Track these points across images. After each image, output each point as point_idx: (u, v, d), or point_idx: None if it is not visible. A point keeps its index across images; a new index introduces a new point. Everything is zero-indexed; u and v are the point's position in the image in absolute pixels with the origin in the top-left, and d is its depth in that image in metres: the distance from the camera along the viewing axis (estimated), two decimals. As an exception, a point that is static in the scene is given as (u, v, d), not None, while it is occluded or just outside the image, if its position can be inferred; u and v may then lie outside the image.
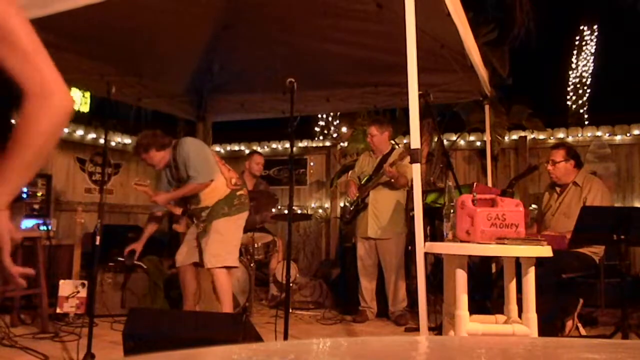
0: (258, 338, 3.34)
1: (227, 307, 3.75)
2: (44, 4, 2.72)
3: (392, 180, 4.49)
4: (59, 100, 1.02)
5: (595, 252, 3.68)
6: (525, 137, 6.44)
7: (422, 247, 2.69)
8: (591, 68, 9.63)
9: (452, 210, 2.73)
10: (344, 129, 7.70)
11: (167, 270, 5.08)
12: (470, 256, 2.92)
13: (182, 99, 6.08)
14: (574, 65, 9.76)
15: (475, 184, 4.20)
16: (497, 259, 4.06)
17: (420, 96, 2.85)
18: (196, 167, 3.80)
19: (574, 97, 9.55)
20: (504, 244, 2.45)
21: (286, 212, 6.71)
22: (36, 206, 4.21)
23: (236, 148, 7.89)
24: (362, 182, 4.77)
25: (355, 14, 4.23)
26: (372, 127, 4.71)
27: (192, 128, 6.93)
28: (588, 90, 9.51)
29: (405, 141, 6.36)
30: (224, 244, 3.84)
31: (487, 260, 4.23)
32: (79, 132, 6.24)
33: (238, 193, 3.96)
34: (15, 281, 1.08)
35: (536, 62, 8.98)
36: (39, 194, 4.26)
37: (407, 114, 2.77)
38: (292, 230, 3.29)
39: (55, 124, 1.03)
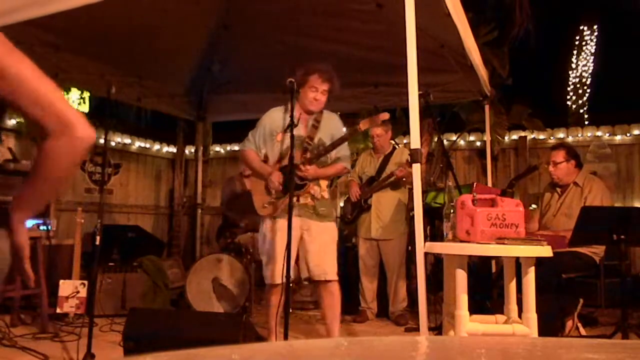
0: (258, 338, 3.34)
1: (338, 323, 3.31)
2: (44, 4, 2.72)
3: (404, 179, 4.46)
4: (81, 134, 1.05)
5: (595, 252, 3.68)
6: (525, 137, 6.44)
7: (422, 247, 2.69)
8: (591, 68, 9.61)
9: (452, 210, 2.72)
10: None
11: (167, 270, 5.08)
12: (470, 256, 2.92)
13: (182, 99, 6.08)
14: (574, 65, 9.75)
15: (475, 184, 4.20)
16: (497, 259, 4.06)
17: (420, 96, 2.85)
18: (348, 150, 3.42)
19: (574, 97, 9.53)
20: (504, 244, 2.45)
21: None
22: (36, 206, 4.18)
23: (236, 148, 7.87)
24: (364, 182, 4.77)
25: (355, 14, 4.23)
26: (378, 127, 4.69)
27: (192, 128, 6.93)
28: (588, 90, 9.50)
29: (405, 141, 6.36)
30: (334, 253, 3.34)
31: (487, 260, 4.23)
32: (79, 132, 6.24)
33: None
34: (30, 283, 1.27)
35: (536, 62, 8.97)
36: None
37: (407, 114, 2.77)
38: (292, 230, 3.28)
39: (76, 157, 1.08)
